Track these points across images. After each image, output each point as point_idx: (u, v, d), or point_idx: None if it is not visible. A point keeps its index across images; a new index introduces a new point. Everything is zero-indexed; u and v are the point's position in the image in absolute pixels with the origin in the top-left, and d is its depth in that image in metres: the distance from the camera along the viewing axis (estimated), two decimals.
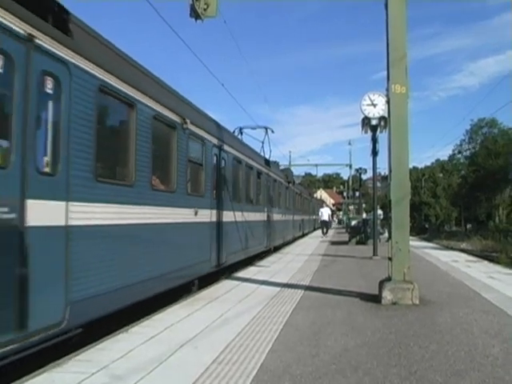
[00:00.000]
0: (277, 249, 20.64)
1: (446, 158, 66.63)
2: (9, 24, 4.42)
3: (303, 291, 8.99)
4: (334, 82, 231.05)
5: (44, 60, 4.89)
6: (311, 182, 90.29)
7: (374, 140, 15.60)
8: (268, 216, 18.22)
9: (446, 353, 5.02)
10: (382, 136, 14.87)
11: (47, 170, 4.92)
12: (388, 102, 8.06)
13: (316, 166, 63.33)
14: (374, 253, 15.66)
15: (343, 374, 4.36)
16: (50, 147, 4.98)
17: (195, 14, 8.11)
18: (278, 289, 9.31)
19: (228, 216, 11.85)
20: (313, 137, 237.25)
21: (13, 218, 4.38)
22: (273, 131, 22.11)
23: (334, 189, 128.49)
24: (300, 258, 16.02)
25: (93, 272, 5.61)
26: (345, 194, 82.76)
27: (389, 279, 7.76)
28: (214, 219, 10.67)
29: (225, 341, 5.45)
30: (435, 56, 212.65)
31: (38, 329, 4.63)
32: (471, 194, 48.58)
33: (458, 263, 14.54)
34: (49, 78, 4.99)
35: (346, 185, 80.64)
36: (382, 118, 14.31)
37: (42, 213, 4.74)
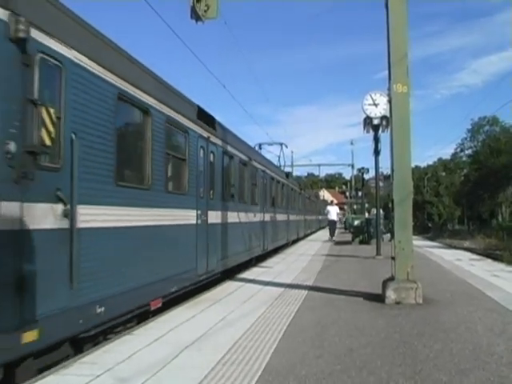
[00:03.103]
0: (293, 242, 25.48)
1: (448, 157, 66.39)
2: (204, 134, 9.76)
3: (307, 291, 9.00)
4: (336, 81, 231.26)
5: (212, 146, 10.29)
6: (313, 182, 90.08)
7: (376, 139, 15.57)
8: (288, 217, 23.65)
9: (450, 351, 5.03)
10: (384, 135, 14.82)
11: (212, 197, 10.12)
12: (390, 101, 8.05)
13: (318, 166, 63.55)
14: (378, 252, 15.67)
15: (348, 374, 4.37)
16: (211, 186, 10.14)
17: (196, 16, 8.12)
18: (282, 289, 9.32)
19: (267, 217, 17.19)
20: (315, 137, 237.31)
21: (205, 219, 9.54)
22: (287, 146, 27.44)
23: (337, 189, 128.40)
24: (303, 258, 16.05)
25: (224, 245, 10.97)
26: (347, 193, 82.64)
27: (392, 279, 7.76)
28: (262, 219, 16.14)
29: (229, 342, 5.46)
30: (438, 54, 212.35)
31: (210, 270, 9.79)
32: (474, 192, 48.30)
33: (461, 262, 14.54)
34: (212, 153, 10.33)
35: (348, 185, 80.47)
36: (383, 118, 14.24)
37: (211, 216, 9.91)
